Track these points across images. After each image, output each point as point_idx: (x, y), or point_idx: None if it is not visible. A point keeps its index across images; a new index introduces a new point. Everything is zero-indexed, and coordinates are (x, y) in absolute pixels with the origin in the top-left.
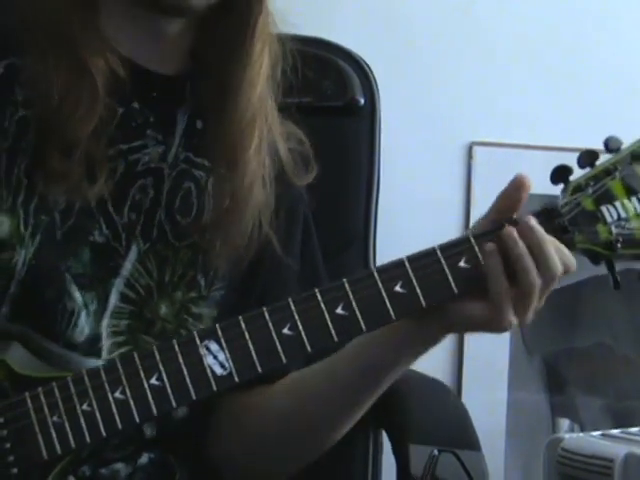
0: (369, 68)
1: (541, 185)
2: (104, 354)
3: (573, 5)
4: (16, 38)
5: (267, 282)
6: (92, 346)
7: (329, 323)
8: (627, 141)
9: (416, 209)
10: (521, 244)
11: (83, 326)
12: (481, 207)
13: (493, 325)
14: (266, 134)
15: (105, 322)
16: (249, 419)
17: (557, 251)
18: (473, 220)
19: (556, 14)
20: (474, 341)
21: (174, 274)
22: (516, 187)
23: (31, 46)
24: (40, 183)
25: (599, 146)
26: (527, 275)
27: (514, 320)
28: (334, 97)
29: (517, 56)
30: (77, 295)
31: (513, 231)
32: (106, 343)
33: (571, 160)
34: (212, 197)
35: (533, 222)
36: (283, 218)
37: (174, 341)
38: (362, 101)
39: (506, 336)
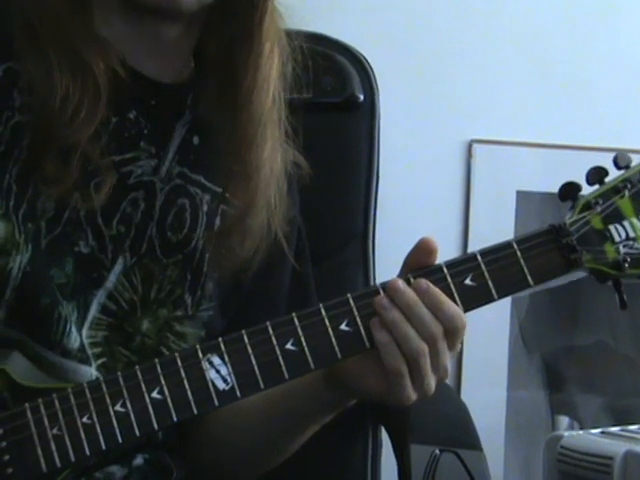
0: (369, 64)
1: (541, 183)
2: (93, 363)
3: (572, 3)
4: (15, 42)
5: (244, 305)
6: (83, 353)
7: (333, 339)
8: (626, 140)
9: (416, 206)
10: (393, 312)
11: (75, 334)
12: (480, 205)
13: (393, 400)
14: (272, 154)
15: (84, 332)
16: (195, 435)
17: (436, 309)
18: (472, 218)
19: (556, 12)
20: (474, 339)
21: (161, 291)
22: (425, 252)
23: (30, 49)
24: (29, 190)
25: (597, 144)
26: (407, 341)
27: (413, 394)
28: (333, 93)
29: (517, 54)
30: (64, 304)
31: (382, 299)
32: (89, 352)
33: (570, 158)
34: (205, 215)
35: (399, 285)
36: (269, 245)
37: (176, 354)
38: (361, 97)
39: (505, 334)
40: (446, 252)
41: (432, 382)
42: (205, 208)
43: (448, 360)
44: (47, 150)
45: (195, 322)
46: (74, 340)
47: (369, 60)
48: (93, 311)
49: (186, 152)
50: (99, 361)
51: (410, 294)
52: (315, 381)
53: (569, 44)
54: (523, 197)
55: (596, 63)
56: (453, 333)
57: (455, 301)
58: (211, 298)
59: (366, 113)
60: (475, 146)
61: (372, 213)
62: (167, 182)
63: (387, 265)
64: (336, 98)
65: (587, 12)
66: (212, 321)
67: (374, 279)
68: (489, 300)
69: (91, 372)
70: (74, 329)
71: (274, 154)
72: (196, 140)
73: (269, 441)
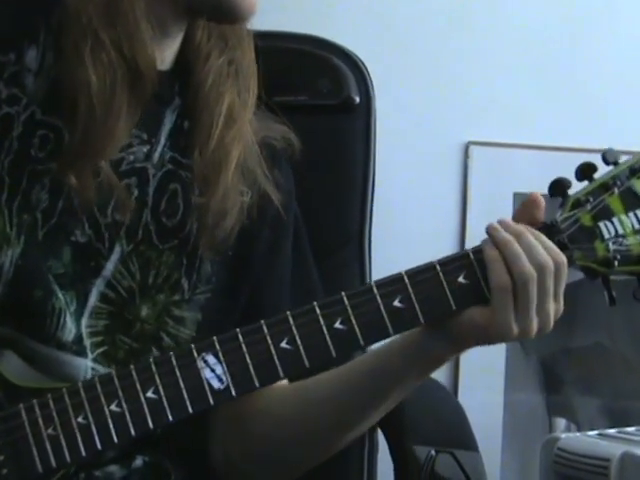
0: (365, 66)
1: (537, 185)
2: (89, 354)
3: (570, 4)
4: (5, 34)
5: (256, 283)
6: (79, 345)
7: (327, 338)
8: (624, 141)
9: (412, 208)
10: (505, 233)
11: (70, 325)
12: (477, 206)
13: (494, 329)
14: (251, 135)
15: (84, 322)
16: (248, 423)
17: (542, 241)
18: (469, 220)
19: (553, 13)
20: None
21: (158, 276)
22: (532, 207)
23: (94, 58)
24: (23, 181)
25: (594, 146)
26: (517, 260)
27: (515, 326)
28: (330, 95)
29: (514, 55)
30: (60, 295)
31: (494, 222)
32: (87, 343)
33: (567, 160)
34: (197, 198)
35: (506, 220)
36: (270, 222)
37: (171, 353)
38: (357, 99)
39: None
40: (443, 253)
41: (534, 323)
42: (197, 192)
43: (552, 309)
44: (83, 165)
45: (192, 305)
46: (69, 332)
47: (366, 62)
48: (93, 300)
49: (177, 137)
50: (99, 350)
51: (517, 226)
52: (414, 333)
53: (566, 46)
54: (520, 199)
55: (593, 65)
56: (558, 269)
57: (448, 297)
58: (207, 281)
59: (362, 115)
60: (472, 148)
61: (368, 214)
62: (159, 168)
63: (384, 266)
64: (332, 100)
65: (585, 14)
66: (209, 304)
67: (370, 280)
68: (484, 300)
69: (86, 364)
70: (70, 320)
71: (245, 130)
72: (186, 125)
73: (347, 406)
